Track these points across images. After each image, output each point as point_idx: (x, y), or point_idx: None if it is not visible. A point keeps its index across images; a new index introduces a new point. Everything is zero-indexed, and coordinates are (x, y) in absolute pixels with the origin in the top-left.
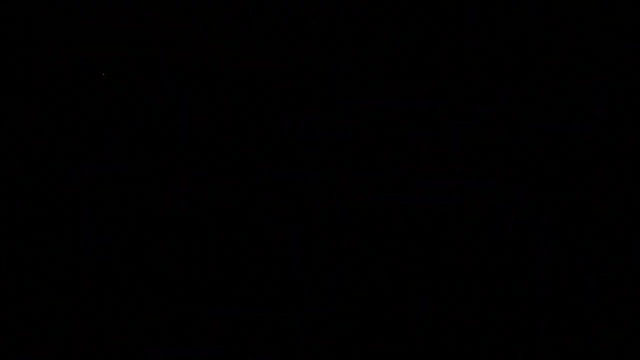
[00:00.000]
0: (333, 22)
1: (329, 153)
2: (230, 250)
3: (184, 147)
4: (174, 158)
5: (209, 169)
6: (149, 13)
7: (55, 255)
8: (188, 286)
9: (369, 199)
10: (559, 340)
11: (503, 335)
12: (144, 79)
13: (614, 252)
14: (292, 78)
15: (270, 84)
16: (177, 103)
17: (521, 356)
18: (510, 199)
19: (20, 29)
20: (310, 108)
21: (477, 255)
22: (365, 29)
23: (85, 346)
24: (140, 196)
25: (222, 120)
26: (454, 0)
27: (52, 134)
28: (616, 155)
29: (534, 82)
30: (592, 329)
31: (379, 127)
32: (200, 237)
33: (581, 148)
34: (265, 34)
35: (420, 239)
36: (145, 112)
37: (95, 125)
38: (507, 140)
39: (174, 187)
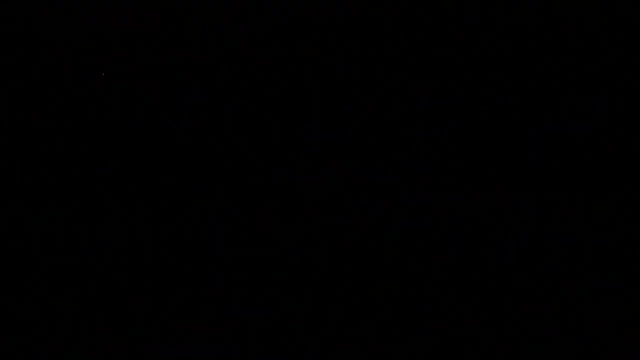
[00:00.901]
0: (333, 22)
1: (329, 153)
2: (230, 250)
3: (184, 147)
4: (174, 158)
5: (209, 169)
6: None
7: (54, 254)
8: (188, 286)
9: (368, 199)
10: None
11: (502, 336)
12: (143, 79)
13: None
14: (292, 78)
15: (269, 84)
16: (176, 103)
17: None
18: (510, 201)
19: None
20: (310, 108)
21: (478, 256)
22: (365, 29)
23: (83, 346)
24: (140, 196)
25: (222, 121)
26: (454, 0)
27: (52, 133)
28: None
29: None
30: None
31: (379, 128)
32: (199, 236)
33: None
34: (265, 33)
35: (421, 240)
36: (146, 112)
37: (95, 124)
38: (506, 141)
39: (173, 187)
